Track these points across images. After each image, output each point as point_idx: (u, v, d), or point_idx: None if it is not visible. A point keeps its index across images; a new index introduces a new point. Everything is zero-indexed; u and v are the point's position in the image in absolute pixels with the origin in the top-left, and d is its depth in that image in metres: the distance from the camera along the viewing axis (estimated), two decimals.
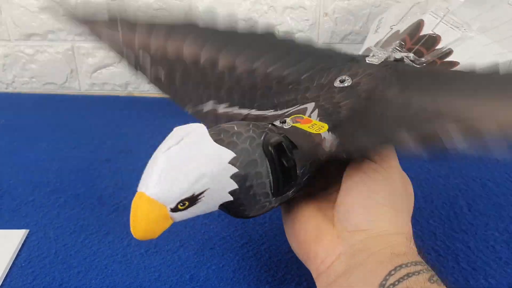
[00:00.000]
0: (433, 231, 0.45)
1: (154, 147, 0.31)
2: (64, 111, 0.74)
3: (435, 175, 0.54)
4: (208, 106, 0.41)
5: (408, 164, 0.40)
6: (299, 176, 0.34)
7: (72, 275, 0.41)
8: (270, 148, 0.32)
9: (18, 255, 0.44)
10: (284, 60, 0.43)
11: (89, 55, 0.80)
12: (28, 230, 0.47)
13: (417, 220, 0.47)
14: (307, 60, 0.43)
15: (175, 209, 0.30)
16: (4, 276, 0.41)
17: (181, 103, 0.43)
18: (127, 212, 0.49)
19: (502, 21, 0.42)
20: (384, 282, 0.29)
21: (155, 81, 0.45)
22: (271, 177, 0.33)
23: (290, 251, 0.43)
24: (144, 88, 0.82)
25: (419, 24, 0.45)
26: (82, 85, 0.83)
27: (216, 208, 0.33)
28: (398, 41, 0.44)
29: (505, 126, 0.28)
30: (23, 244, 0.45)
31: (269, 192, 0.33)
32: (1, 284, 0.41)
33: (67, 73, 0.82)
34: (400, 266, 0.29)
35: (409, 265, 0.29)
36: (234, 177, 0.31)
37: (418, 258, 0.31)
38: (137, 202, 0.30)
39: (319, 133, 0.35)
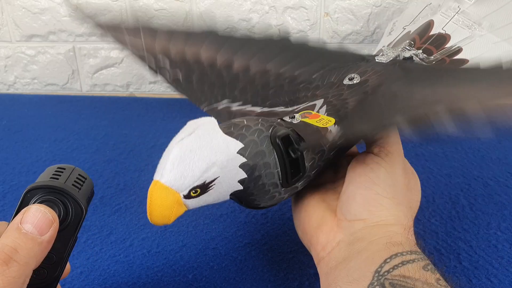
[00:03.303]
0: (435, 230, 0.45)
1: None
2: (66, 112, 0.74)
3: (437, 175, 0.54)
4: (222, 104, 0.44)
5: (410, 163, 0.40)
6: (308, 168, 0.36)
7: (75, 276, 0.41)
8: (277, 140, 0.34)
9: None
10: (296, 61, 0.45)
11: (90, 56, 0.80)
12: None
13: (419, 219, 0.47)
14: (319, 60, 0.45)
15: (188, 196, 0.32)
16: None
17: (197, 102, 0.46)
18: (129, 213, 0.50)
19: (511, 20, 0.43)
20: (379, 269, 0.30)
21: (174, 82, 0.48)
22: (279, 167, 0.34)
23: (292, 251, 0.43)
24: (146, 89, 0.82)
25: (429, 24, 0.47)
26: (83, 86, 0.83)
27: (227, 197, 0.35)
28: (408, 41, 0.45)
29: (488, 108, 0.29)
30: None
31: (278, 183, 0.35)
32: None
33: (69, 74, 0.82)
34: (396, 255, 0.30)
35: (404, 254, 0.30)
36: (242, 166, 0.33)
37: (414, 248, 0.32)
38: (152, 189, 0.32)
39: (326, 127, 0.36)
